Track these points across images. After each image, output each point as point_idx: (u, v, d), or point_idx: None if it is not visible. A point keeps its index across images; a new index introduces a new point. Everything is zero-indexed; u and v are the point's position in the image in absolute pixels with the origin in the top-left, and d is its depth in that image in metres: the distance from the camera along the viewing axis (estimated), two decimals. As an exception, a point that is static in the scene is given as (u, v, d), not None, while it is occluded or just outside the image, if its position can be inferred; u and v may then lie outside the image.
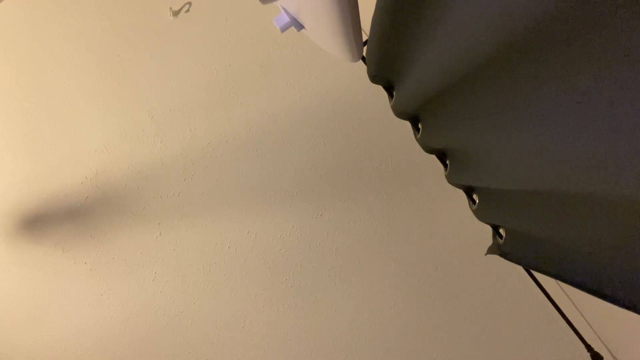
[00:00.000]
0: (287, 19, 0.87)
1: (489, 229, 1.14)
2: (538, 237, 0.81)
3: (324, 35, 0.84)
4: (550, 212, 0.67)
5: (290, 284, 1.52)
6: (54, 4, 1.57)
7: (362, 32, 0.80)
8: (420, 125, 1.09)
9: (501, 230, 1.08)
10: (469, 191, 1.12)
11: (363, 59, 1.04)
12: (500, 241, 1.07)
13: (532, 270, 1.13)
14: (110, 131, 1.54)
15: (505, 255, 1.04)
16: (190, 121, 1.55)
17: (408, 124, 1.15)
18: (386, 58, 0.94)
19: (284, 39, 1.55)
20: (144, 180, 1.53)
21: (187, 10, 1.58)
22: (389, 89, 1.13)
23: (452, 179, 1.09)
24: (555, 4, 0.35)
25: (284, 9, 0.87)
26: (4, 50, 1.56)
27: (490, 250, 1.13)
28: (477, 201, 1.08)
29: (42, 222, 1.52)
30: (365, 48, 1.00)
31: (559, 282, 1.02)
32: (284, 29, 0.88)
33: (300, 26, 0.89)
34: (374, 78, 1.11)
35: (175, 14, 1.57)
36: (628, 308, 0.60)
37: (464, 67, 0.59)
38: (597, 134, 0.40)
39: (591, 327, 1.30)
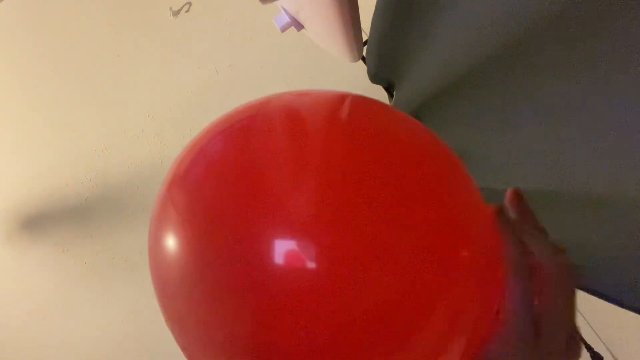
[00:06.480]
0: (287, 19, 0.87)
1: (489, 229, 1.13)
2: (538, 237, 0.81)
3: (324, 35, 0.84)
4: (550, 213, 0.67)
5: (290, 284, 1.52)
6: (53, 4, 1.57)
7: (362, 32, 0.80)
8: (420, 125, 1.09)
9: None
10: (469, 191, 1.12)
11: (363, 59, 1.04)
12: (501, 241, 1.07)
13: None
14: (110, 131, 1.54)
15: (505, 255, 1.03)
16: (190, 121, 1.54)
17: (408, 124, 1.15)
18: (386, 58, 0.94)
19: (284, 39, 1.55)
20: (144, 180, 1.53)
21: (187, 10, 1.58)
22: (389, 89, 1.13)
23: (452, 179, 1.09)
24: (558, 3, 0.35)
25: (284, 9, 0.87)
26: (3, 50, 1.56)
27: (490, 250, 1.13)
28: (477, 201, 1.08)
29: (42, 222, 1.52)
30: (365, 48, 1.00)
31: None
32: (284, 29, 0.88)
33: (300, 26, 0.89)
34: (374, 78, 1.11)
35: (175, 14, 1.57)
36: (628, 308, 0.60)
37: (465, 67, 0.59)
38: (599, 134, 0.40)
39: (591, 327, 1.30)
